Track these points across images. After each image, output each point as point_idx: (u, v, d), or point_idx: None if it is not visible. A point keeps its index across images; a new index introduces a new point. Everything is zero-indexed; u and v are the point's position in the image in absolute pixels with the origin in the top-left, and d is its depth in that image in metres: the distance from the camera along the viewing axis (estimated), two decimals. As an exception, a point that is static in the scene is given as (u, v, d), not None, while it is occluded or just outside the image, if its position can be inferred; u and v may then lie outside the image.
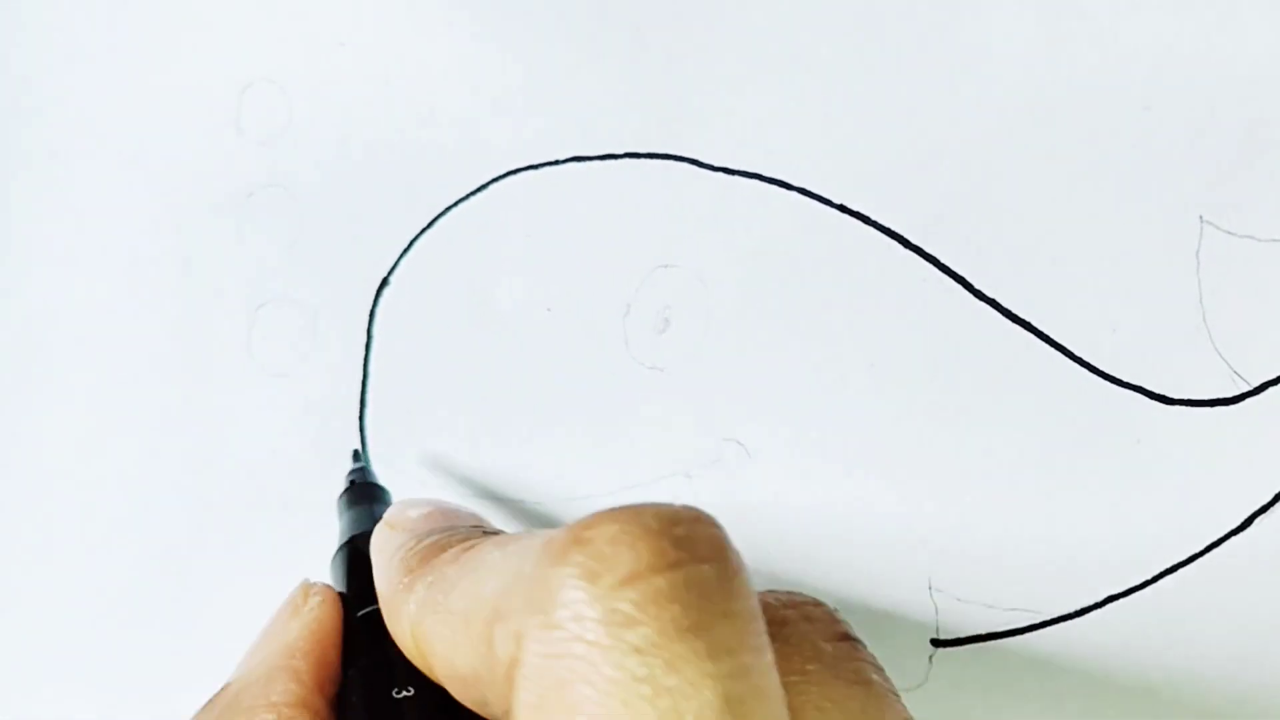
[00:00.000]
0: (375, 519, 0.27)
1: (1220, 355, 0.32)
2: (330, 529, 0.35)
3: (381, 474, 0.35)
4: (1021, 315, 0.34)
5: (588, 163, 0.36)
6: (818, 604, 0.23)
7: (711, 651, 0.16)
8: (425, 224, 0.37)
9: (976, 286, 0.34)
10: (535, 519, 0.35)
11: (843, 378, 0.34)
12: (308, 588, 0.26)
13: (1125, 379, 0.33)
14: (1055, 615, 0.33)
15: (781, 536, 0.34)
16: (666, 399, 0.35)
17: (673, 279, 0.35)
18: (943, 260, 0.34)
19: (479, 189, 0.36)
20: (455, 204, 0.36)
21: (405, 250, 0.36)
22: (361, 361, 0.36)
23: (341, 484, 0.34)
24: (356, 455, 0.35)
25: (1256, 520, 0.33)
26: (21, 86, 0.40)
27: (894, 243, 0.34)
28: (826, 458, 0.34)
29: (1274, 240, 0.33)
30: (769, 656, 0.17)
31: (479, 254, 0.36)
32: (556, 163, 0.36)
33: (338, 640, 0.25)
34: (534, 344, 0.35)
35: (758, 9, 0.36)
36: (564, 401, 0.35)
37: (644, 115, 0.36)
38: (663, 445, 0.35)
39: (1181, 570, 0.33)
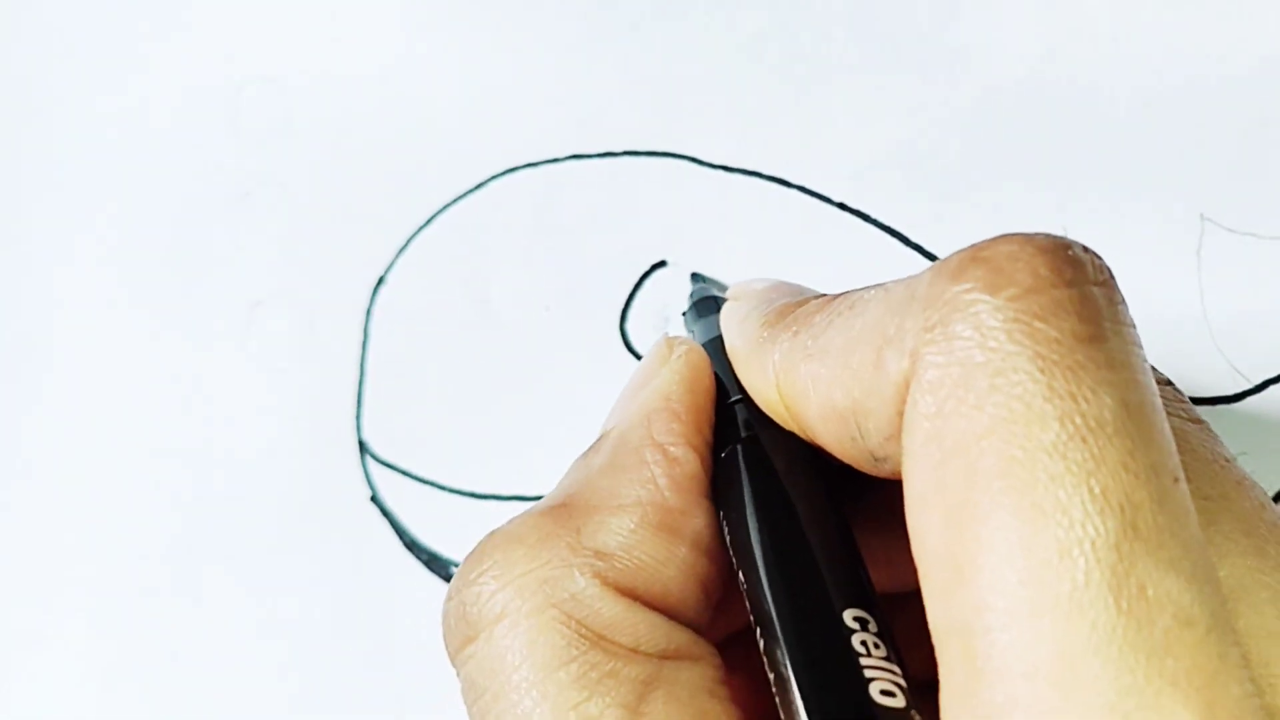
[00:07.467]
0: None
1: (1221, 353, 0.32)
2: (328, 528, 0.35)
3: (377, 472, 0.35)
4: (1022, 314, 0.34)
5: (587, 160, 0.36)
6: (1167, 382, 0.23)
7: (1110, 361, 0.17)
8: (423, 222, 0.36)
9: (976, 285, 0.34)
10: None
11: (842, 377, 0.34)
12: (671, 340, 0.26)
13: (1126, 377, 0.33)
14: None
15: (781, 536, 0.34)
16: (665, 398, 0.35)
17: (672, 277, 0.35)
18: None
19: (477, 187, 0.36)
20: (453, 202, 0.36)
21: (402, 248, 0.36)
22: (358, 360, 0.36)
23: (336, 475, 0.34)
24: (696, 277, 0.33)
25: (1259, 519, 0.33)
26: (21, 86, 0.40)
27: (894, 240, 0.34)
28: (826, 458, 0.34)
29: (1275, 238, 0.32)
30: (1153, 379, 0.18)
31: (477, 252, 0.36)
32: (555, 160, 0.36)
33: (709, 385, 0.25)
34: (532, 342, 0.35)
35: (758, 8, 0.36)
36: (562, 400, 0.35)
37: (643, 113, 0.36)
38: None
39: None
